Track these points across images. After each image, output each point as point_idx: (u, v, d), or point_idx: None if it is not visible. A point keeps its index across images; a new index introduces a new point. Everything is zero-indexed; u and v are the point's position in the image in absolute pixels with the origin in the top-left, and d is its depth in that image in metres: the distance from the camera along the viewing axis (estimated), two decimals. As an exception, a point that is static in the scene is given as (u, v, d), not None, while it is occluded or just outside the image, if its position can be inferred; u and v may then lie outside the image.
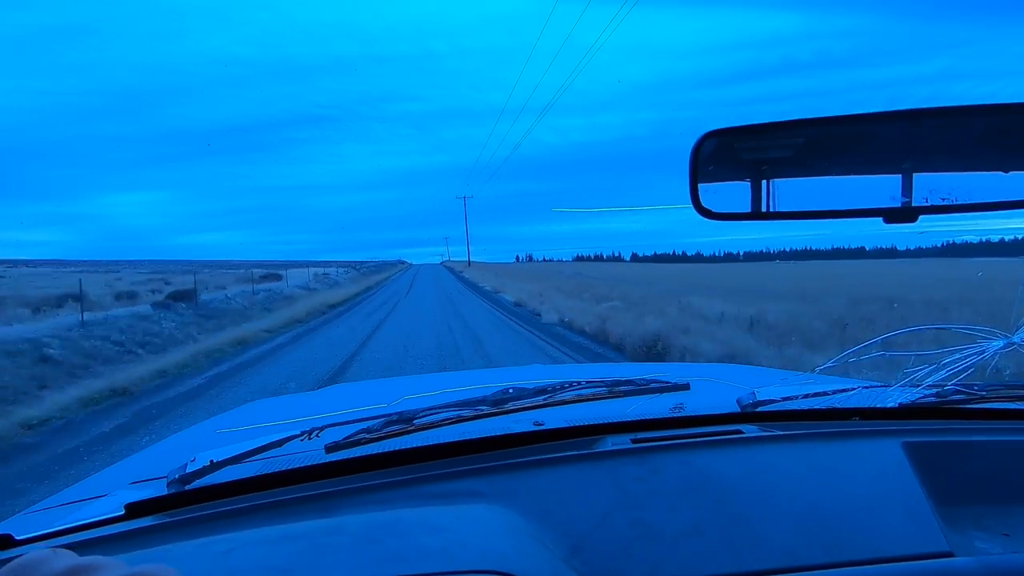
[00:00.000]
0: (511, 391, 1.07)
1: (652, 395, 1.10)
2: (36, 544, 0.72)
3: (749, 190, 0.90)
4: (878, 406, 0.96)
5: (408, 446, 0.88)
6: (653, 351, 9.70)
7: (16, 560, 0.41)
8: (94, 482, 1.21)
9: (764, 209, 0.89)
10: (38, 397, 7.85)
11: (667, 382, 1.15)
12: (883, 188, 0.86)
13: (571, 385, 1.12)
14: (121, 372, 9.34)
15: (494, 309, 19.56)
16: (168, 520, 0.75)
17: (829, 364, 1.09)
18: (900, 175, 0.85)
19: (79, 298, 18.38)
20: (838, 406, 0.97)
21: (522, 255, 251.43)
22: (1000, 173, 0.84)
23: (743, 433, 0.87)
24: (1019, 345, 0.92)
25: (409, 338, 12.35)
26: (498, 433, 0.89)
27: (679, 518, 0.69)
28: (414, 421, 0.97)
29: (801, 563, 0.63)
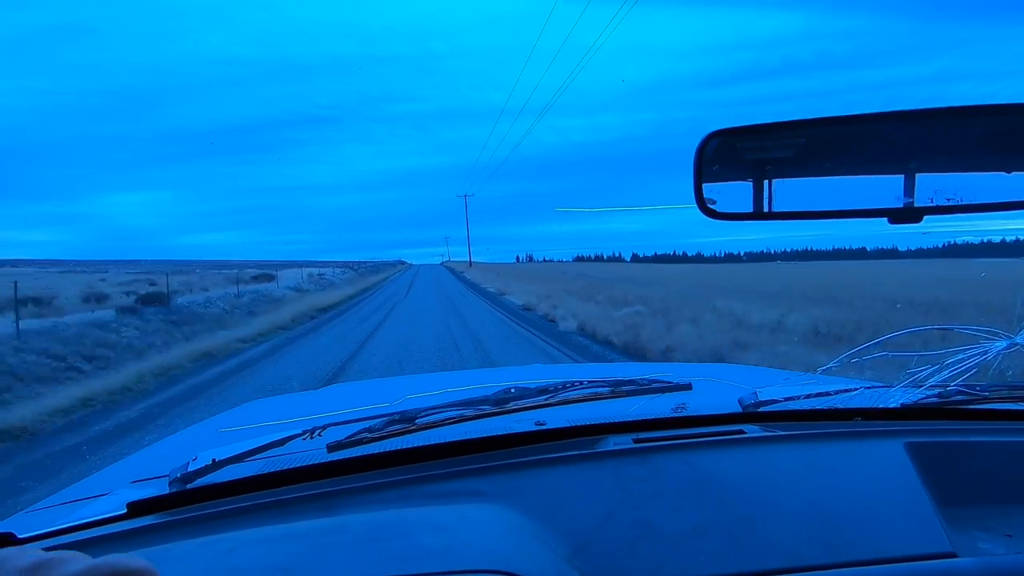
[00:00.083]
0: (513, 391, 1.06)
1: (654, 395, 1.10)
2: (37, 543, 0.71)
3: (753, 190, 0.90)
4: (881, 406, 0.96)
5: (410, 445, 0.88)
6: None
7: None
8: (96, 480, 1.21)
9: (768, 209, 0.90)
10: None
11: (669, 382, 1.15)
12: (887, 188, 0.86)
13: (573, 385, 1.11)
14: (35, 401, 7.13)
15: (502, 314, 17.62)
16: (170, 519, 0.75)
17: (831, 364, 1.09)
18: (903, 175, 0.85)
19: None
20: (840, 406, 0.97)
21: (522, 255, 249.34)
22: (1003, 173, 0.85)
23: (745, 433, 0.88)
24: (1022, 346, 0.93)
25: (406, 353, 10.40)
26: (500, 433, 0.90)
27: (681, 518, 0.69)
28: (416, 420, 0.97)
29: (804, 563, 0.64)
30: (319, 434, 0.95)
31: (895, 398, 0.96)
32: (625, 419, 0.92)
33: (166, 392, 8.28)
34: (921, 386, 0.96)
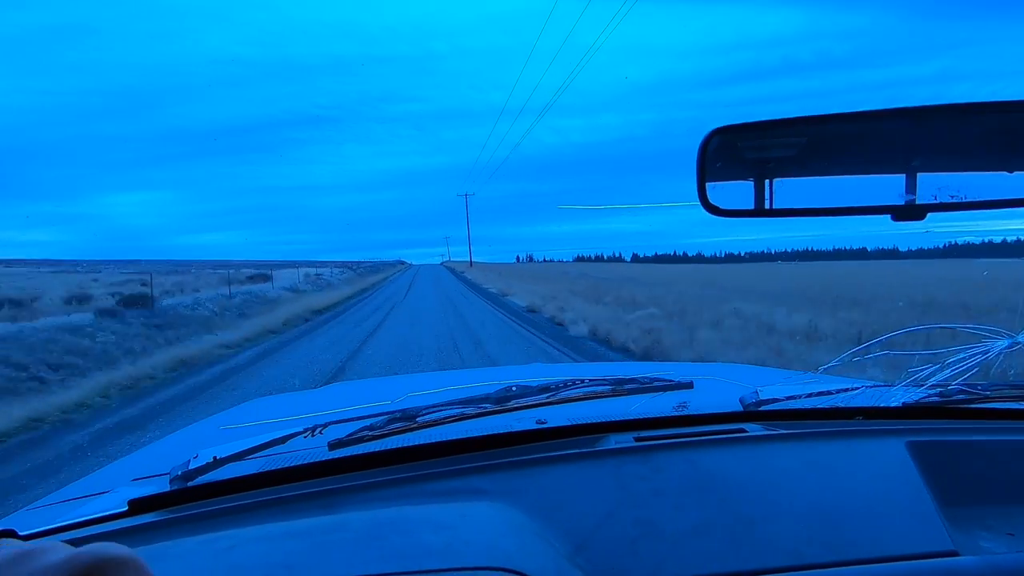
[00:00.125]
0: (514, 389, 1.07)
1: (655, 393, 1.10)
2: (39, 540, 0.74)
3: (756, 186, 0.90)
4: (882, 405, 0.96)
5: (411, 443, 0.88)
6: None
7: None
8: (97, 478, 1.21)
9: (771, 206, 0.90)
10: None
11: (670, 381, 1.15)
12: (889, 186, 0.87)
13: (574, 383, 1.12)
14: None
15: (507, 317, 16.73)
16: (171, 516, 0.76)
17: (833, 363, 1.10)
18: (906, 173, 0.86)
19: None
20: (842, 405, 0.98)
21: (522, 255, 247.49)
22: (1004, 173, 0.85)
23: (746, 432, 0.88)
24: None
25: (405, 364, 9.30)
26: (501, 431, 0.90)
27: (683, 517, 0.70)
28: (417, 419, 0.97)
29: (805, 562, 0.64)
30: (320, 432, 0.95)
31: (896, 397, 0.97)
32: (626, 417, 0.94)
33: (129, 408, 7.23)
34: (922, 385, 0.97)
